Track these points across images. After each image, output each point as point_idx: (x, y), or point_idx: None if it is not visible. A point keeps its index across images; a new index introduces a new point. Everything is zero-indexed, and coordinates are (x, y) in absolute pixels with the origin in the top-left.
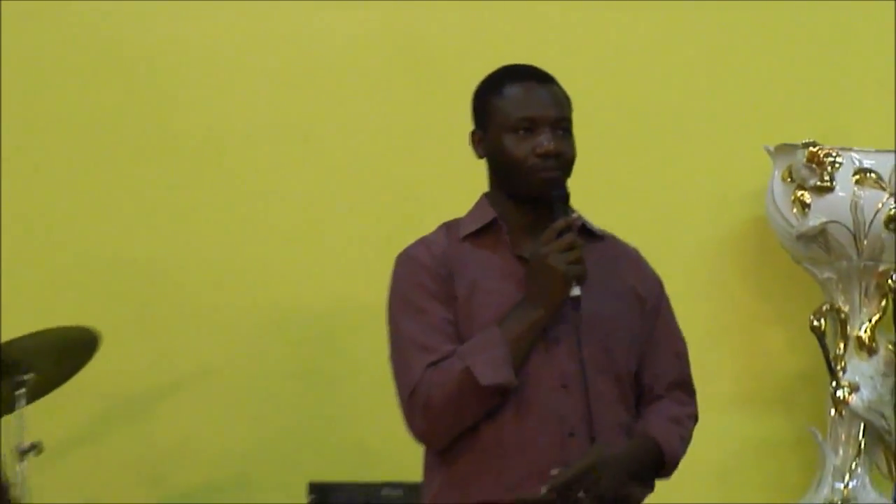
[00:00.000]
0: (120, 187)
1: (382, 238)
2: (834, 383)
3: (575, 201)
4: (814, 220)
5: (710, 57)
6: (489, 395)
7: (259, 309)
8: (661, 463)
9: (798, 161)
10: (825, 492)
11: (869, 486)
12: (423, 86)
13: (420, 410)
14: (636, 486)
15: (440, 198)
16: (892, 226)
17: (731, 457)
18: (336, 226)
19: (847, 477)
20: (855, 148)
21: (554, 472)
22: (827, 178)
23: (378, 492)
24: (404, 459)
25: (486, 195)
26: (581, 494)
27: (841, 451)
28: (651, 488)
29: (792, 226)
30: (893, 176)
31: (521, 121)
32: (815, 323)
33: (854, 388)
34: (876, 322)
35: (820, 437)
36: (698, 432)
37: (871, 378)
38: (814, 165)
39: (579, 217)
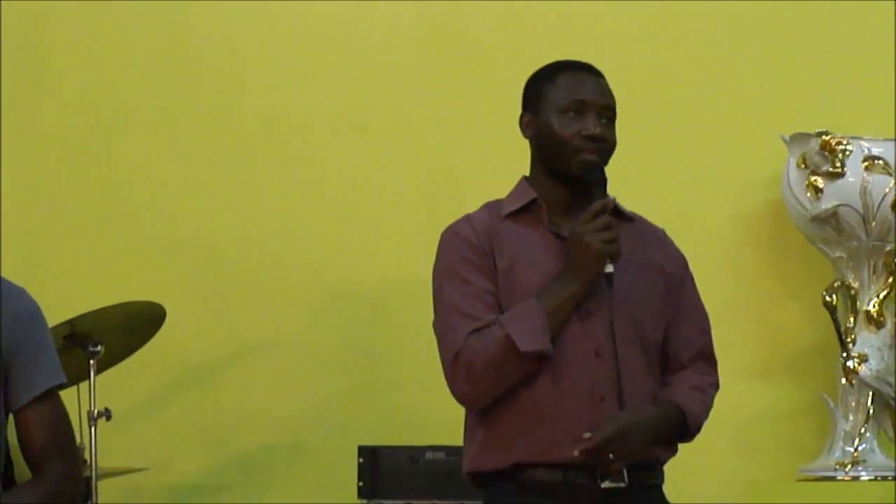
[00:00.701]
0: (187, 172)
1: (428, 219)
2: (844, 354)
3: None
4: (826, 204)
5: (730, 53)
6: (527, 362)
7: (314, 285)
8: (685, 428)
9: (811, 149)
10: (836, 454)
11: (877, 450)
12: (468, 78)
13: (463, 373)
14: (661, 449)
15: (482, 182)
16: None
17: (749, 422)
18: (385, 208)
19: (857, 441)
20: (864, 137)
21: (586, 435)
22: (838, 164)
23: (422, 454)
24: (446, 425)
25: (525, 178)
26: (611, 456)
27: (851, 417)
28: (675, 451)
29: (806, 209)
30: None
31: (572, 103)
32: (828, 298)
33: (863, 359)
34: (884, 298)
35: (831, 404)
36: (719, 400)
37: (879, 349)
38: (826, 153)
39: (614, 200)
